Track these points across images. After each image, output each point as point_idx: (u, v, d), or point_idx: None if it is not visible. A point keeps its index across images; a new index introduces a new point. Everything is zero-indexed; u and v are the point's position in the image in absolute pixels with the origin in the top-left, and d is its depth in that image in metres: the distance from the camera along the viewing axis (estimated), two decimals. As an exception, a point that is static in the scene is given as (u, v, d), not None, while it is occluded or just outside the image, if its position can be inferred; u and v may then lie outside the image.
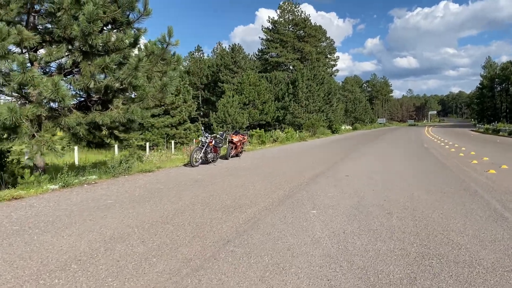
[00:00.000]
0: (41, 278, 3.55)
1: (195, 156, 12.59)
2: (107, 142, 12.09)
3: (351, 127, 68.08)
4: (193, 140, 31.06)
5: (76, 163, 16.20)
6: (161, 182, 9.35)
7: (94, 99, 10.53)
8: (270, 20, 60.36)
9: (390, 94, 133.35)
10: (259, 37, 63.19)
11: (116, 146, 19.98)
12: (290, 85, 44.02)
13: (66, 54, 9.69)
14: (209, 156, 13.27)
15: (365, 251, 4.31)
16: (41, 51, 9.66)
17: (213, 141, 13.50)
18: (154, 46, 10.45)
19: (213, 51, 66.18)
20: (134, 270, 3.76)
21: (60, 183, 8.43)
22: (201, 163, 12.99)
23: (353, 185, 8.75)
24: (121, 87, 10.05)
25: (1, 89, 9.00)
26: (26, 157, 9.38)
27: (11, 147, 11.28)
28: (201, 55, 61.19)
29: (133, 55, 10.40)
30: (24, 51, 9.38)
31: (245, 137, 17.38)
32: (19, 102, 9.66)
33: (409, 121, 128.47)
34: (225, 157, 15.15)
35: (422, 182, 9.15)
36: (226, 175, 10.44)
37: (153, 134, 30.74)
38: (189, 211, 6.19)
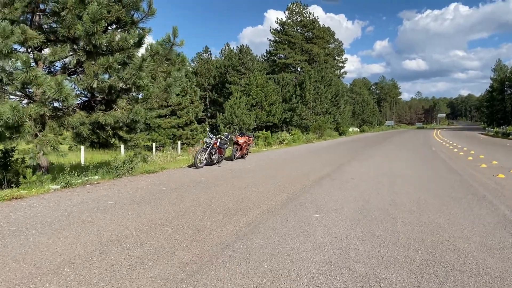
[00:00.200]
0: (32, 282, 3.46)
1: (199, 157, 12.50)
2: (111, 142, 12.06)
3: (358, 130, 67.65)
4: (199, 141, 31.00)
5: (82, 163, 16.20)
6: (163, 183, 9.26)
7: (98, 99, 10.49)
8: (279, 22, 60.23)
9: (399, 97, 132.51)
10: (267, 39, 63.16)
11: (122, 146, 20.02)
12: (297, 86, 43.83)
13: (70, 53, 9.65)
14: (214, 157, 13.17)
15: (368, 258, 4.17)
16: (46, 51, 9.64)
17: (218, 142, 13.40)
18: (158, 46, 10.38)
19: (221, 52, 66.18)
20: (128, 274, 3.65)
21: (62, 183, 8.37)
22: (206, 165, 12.89)
23: (358, 188, 8.60)
24: (125, 87, 10.00)
25: (5, 88, 8.99)
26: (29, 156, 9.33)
27: (16, 146, 11.28)
28: (209, 56, 61.20)
29: (138, 55, 10.36)
30: (29, 50, 9.38)
31: (251, 138, 17.26)
32: (24, 101, 9.65)
33: (418, 124, 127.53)
34: (230, 159, 15.04)
35: (429, 185, 8.97)
36: (230, 177, 10.33)
37: (159, 134, 30.76)
38: (189, 214, 6.09)
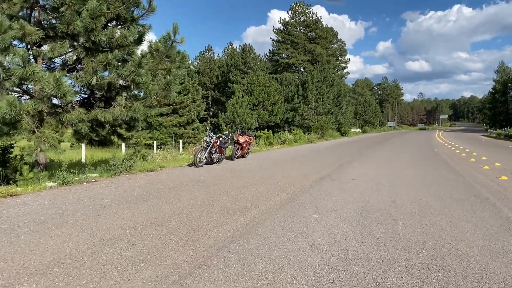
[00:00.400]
0: (18, 283, 3.34)
1: (199, 156, 12.38)
2: (111, 140, 11.95)
3: (360, 130, 67.43)
4: (201, 140, 30.94)
5: (83, 160, 16.13)
6: (162, 182, 9.15)
7: (97, 96, 10.38)
8: (282, 21, 60.03)
9: (401, 98, 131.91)
10: (270, 38, 62.88)
11: (123, 144, 19.94)
12: (300, 86, 43.69)
13: (70, 50, 9.55)
14: (214, 156, 13.05)
15: (367, 261, 4.05)
16: (45, 47, 9.54)
17: (218, 141, 13.29)
18: (158, 43, 10.27)
19: (224, 51, 66.05)
20: (118, 275, 3.54)
21: (59, 181, 8.27)
22: (206, 164, 12.78)
23: (358, 188, 8.47)
24: (124, 84, 9.90)
25: (4, 84, 8.89)
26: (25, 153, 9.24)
27: (15, 143, 11.20)
28: (212, 55, 61.06)
29: (138, 52, 10.26)
30: (28, 46, 9.28)
31: (252, 138, 17.13)
32: (22, 98, 9.55)
33: (420, 125, 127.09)
34: (230, 158, 14.93)
35: (431, 187, 8.83)
36: (229, 176, 10.22)
37: (161, 133, 30.69)
38: (186, 213, 5.97)
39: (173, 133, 30.56)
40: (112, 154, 17.86)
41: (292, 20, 59.70)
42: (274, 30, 60.33)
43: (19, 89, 9.17)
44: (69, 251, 4.15)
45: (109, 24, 9.67)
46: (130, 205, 6.46)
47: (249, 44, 52.91)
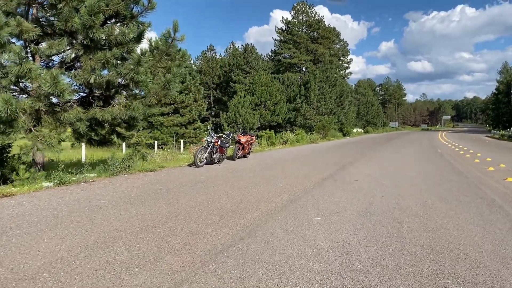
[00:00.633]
0: (4, 289, 3.18)
1: (199, 156, 12.20)
2: (110, 139, 11.81)
3: (362, 130, 67.16)
4: (202, 139, 30.81)
5: (83, 159, 15.99)
6: (161, 182, 8.98)
7: (96, 94, 10.22)
8: (284, 21, 59.83)
9: (404, 98, 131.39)
10: (273, 38, 62.72)
11: (124, 144, 19.80)
12: (302, 86, 43.49)
13: (68, 48, 9.40)
14: (215, 156, 12.88)
15: (372, 267, 3.86)
16: (43, 45, 9.38)
17: (219, 141, 13.11)
18: (159, 41, 10.11)
19: (226, 51, 65.87)
20: (110, 281, 3.37)
21: (55, 181, 8.11)
22: (206, 164, 12.60)
23: (362, 190, 8.28)
24: (123, 82, 9.74)
25: (0, 82, 8.73)
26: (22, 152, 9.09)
27: (13, 142, 11.05)
28: (214, 55, 60.92)
29: (138, 50, 10.10)
30: (26, 43, 9.13)
31: (253, 137, 16.95)
32: (20, 96, 9.40)
33: (422, 126, 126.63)
34: (231, 158, 14.75)
35: (435, 188, 8.63)
36: (230, 177, 10.04)
37: (162, 132, 30.55)
38: (184, 215, 5.80)
39: (174, 132, 30.42)
40: (112, 154, 17.75)
41: (295, 20, 59.48)
42: (277, 30, 60.15)
43: (16, 87, 9.02)
44: (61, 254, 3.98)
45: (108, 22, 9.51)
46: (127, 206, 6.29)
47: (251, 44, 52.83)
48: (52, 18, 9.58)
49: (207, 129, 32.93)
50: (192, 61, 55.20)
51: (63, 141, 29.89)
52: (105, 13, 8.68)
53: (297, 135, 30.34)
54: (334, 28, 64.00)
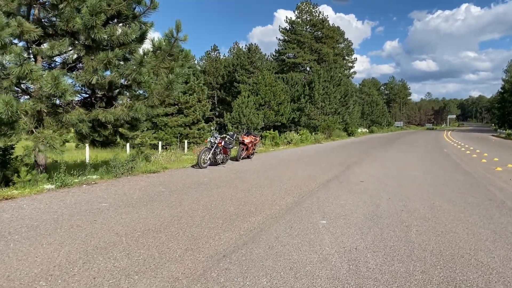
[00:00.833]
0: (-2, 298, 3.07)
1: (203, 157, 12.09)
2: (113, 140, 11.70)
3: (367, 130, 66.83)
4: (205, 140, 30.70)
5: (87, 161, 15.90)
6: (163, 184, 8.87)
7: (98, 95, 10.13)
8: (288, 21, 59.61)
9: (408, 97, 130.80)
10: (277, 38, 62.49)
11: (128, 144, 19.71)
12: (306, 86, 43.29)
13: (70, 48, 9.31)
14: (218, 157, 12.76)
15: (380, 273, 3.72)
16: (45, 45, 9.30)
17: (223, 142, 12.99)
18: (161, 41, 9.99)
19: (230, 51, 65.76)
20: (109, 290, 3.25)
21: (57, 183, 8.02)
22: (210, 165, 12.49)
23: (368, 191, 8.13)
24: (126, 83, 9.64)
25: (1, 83, 8.65)
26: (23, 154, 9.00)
27: (17, 143, 10.99)
28: (218, 55, 60.82)
29: (140, 50, 9.99)
30: (28, 44, 9.05)
31: (257, 138, 16.82)
32: (23, 97, 9.32)
33: (428, 125, 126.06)
34: (235, 159, 14.63)
35: (443, 190, 8.47)
36: (234, 178, 9.91)
37: (166, 133, 30.47)
38: (186, 218, 5.67)
39: (179, 133, 30.33)
40: (116, 155, 17.67)
41: (299, 20, 59.24)
42: (281, 30, 59.91)
43: (18, 89, 8.94)
44: (59, 261, 3.87)
45: (110, 22, 9.40)
46: (129, 210, 6.17)
47: (255, 44, 52.79)
48: (54, 19, 9.49)
49: (211, 130, 32.85)
50: (196, 62, 55.29)
51: (68, 142, 29.90)
52: (106, 13, 8.58)
53: (301, 135, 30.18)
54: (338, 27, 63.76)
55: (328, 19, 60.26)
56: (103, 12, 8.26)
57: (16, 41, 8.80)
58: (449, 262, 4.05)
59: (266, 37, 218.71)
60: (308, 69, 59.01)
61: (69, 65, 9.50)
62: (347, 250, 4.39)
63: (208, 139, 12.98)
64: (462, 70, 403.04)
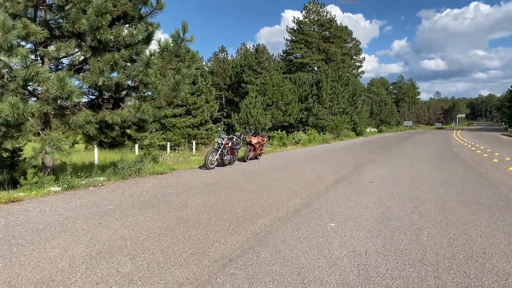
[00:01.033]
0: (-1, 305, 3.00)
1: (210, 158, 12.01)
2: (121, 141, 11.65)
3: (376, 130, 66.38)
4: (213, 141, 30.69)
5: (96, 162, 15.92)
6: (170, 185, 8.80)
7: (105, 97, 10.10)
8: (295, 21, 59.42)
9: (417, 97, 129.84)
10: (284, 38, 62.32)
11: (136, 146, 19.72)
12: (314, 86, 43.09)
13: (76, 50, 9.28)
14: (226, 158, 12.68)
15: (391, 279, 3.60)
16: (52, 47, 9.28)
17: (230, 143, 12.90)
18: (168, 42, 9.93)
19: (237, 51, 65.74)
20: (112, 297, 3.17)
21: (64, 185, 7.98)
22: (217, 166, 12.41)
23: (377, 193, 7.98)
24: (133, 84, 9.60)
25: (8, 85, 8.64)
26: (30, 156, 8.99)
27: (25, 145, 11.00)
28: (225, 56, 60.80)
29: (147, 51, 9.94)
30: (35, 47, 9.04)
31: (265, 138, 16.72)
32: (29, 100, 9.31)
33: (437, 124, 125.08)
34: (243, 160, 14.54)
35: (454, 191, 8.29)
36: (241, 179, 9.81)
37: (174, 134, 30.54)
38: (192, 221, 5.59)
39: (187, 134, 30.36)
40: (126, 156, 17.69)
41: (306, 19, 59.05)
42: (288, 30, 59.77)
43: (25, 91, 8.93)
44: (62, 266, 3.80)
45: (116, 23, 9.36)
46: (135, 212, 6.10)
47: (262, 44, 52.57)
48: (60, 20, 9.47)
49: (219, 130, 32.83)
50: (204, 63, 55.27)
51: (77, 143, 30.06)
52: (112, 14, 8.52)
53: (309, 135, 30.01)
54: (346, 27, 63.39)
55: (335, 18, 60.01)
56: (108, 13, 8.21)
57: (23, 43, 8.81)
58: (462, 267, 3.91)
59: (274, 37, 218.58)
60: (315, 69, 58.78)
61: (76, 67, 9.46)
62: (357, 254, 4.27)
63: (215, 140, 12.90)
64: (472, 69, 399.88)
